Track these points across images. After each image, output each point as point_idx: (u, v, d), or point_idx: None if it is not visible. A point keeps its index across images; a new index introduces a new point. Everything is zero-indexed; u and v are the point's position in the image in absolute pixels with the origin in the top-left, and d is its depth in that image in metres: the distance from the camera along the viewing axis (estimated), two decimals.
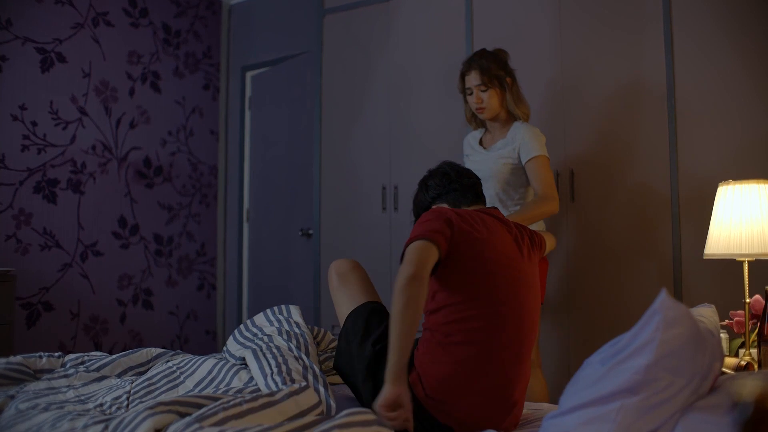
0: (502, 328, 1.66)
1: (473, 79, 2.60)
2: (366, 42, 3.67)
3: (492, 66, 2.59)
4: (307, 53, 4.21)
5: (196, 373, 1.92)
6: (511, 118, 2.68)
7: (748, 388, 1.03)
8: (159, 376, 1.92)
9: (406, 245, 1.66)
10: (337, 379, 2.22)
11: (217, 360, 1.99)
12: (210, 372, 1.92)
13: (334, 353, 2.30)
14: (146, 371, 2.12)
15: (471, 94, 2.63)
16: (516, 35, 3.18)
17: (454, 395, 1.62)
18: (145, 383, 1.86)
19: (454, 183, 1.98)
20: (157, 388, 1.85)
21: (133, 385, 1.84)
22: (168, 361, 2.13)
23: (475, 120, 2.78)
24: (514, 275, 1.73)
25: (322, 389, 1.65)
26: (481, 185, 2.02)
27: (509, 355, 1.67)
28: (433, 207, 1.96)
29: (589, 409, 1.13)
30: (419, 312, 1.57)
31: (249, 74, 4.77)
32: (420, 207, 2.05)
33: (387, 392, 1.50)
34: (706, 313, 1.46)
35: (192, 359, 2.01)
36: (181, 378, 1.90)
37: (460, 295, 1.67)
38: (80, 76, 3.92)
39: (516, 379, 1.68)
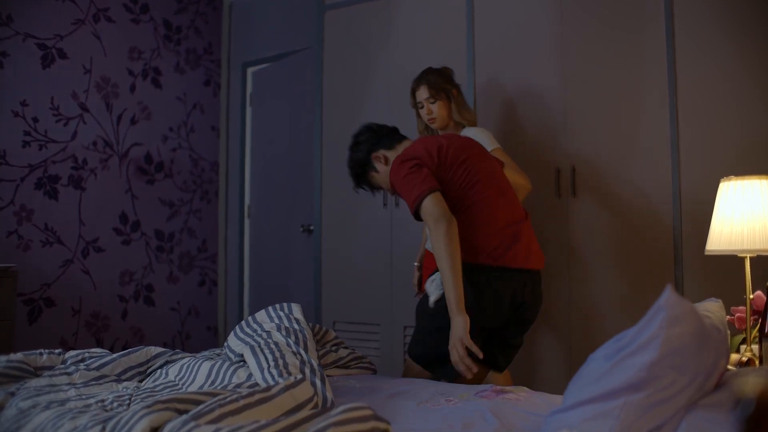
0: (492, 201, 2.19)
1: (422, 93, 2.84)
2: (366, 38, 3.67)
3: (438, 80, 2.82)
4: (307, 49, 4.20)
5: (196, 379, 1.93)
6: (459, 126, 2.89)
7: (750, 384, 1.03)
8: (161, 387, 1.92)
9: (415, 203, 2.09)
10: (336, 372, 2.23)
11: (213, 361, 2.00)
12: (209, 375, 1.93)
13: (334, 348, 2.33)
14: (146, 371, 2.12)
15: (422, 107, 2.86)
16: (517, 33, 3.18)
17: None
18: (148, 393, 1.86)
19: (380, 131, 2.42)
20: (159, 394, 1.85)
21: (134, 395, 1.84)
22: (167, 362, 2.13)
23: (428, 131, 2.98)
24: (482, 161, 2.27)
25: (318, 382, 1.66)
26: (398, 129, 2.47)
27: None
28: (396, 158, 2.26)
29: (592, 405, 1.13)
30: (459, 249, 2.04)
31: (250, 70, 4.77)
32: (358, 165, 2.42)
33: (461, 321, 1.97)
34: (712, 308, 1.46)
35: (189, 366, 2.01)
36: (183, 389, 1.91)
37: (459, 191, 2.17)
38: (81, 72, 3.92)
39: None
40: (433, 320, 2.16)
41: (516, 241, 2.19)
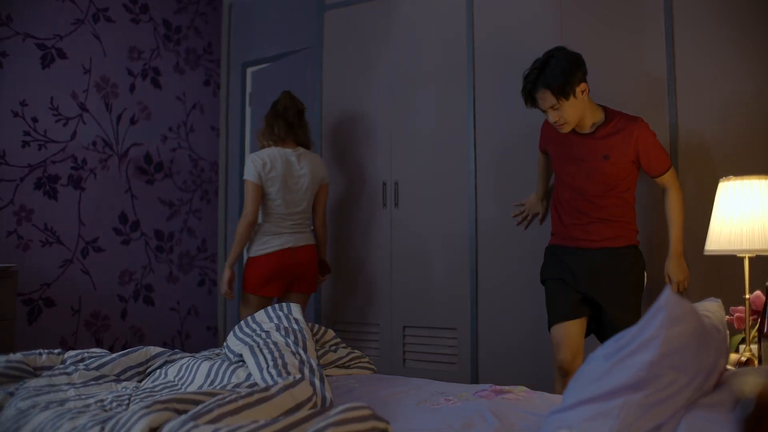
0: None
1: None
2: (366, 38, 3.67)
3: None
4: (307, 49, 4.20)
5: (195, 380, 1.93)
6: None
7: (750, 384, 1.03)
8: (160, 387, 1.92)
9: (670, 165, 2.57)
10: (335, 372, 2.23)
11: (212, 362, 2.00)
12: (208, 376, 1.93)
13: (333, 348, 2.33)
14: (145, 371, 2.12)
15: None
16: (517, 30, 3.18)
17: None
18: (147, 393, 1.86)
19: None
20: (158, 394, 1.85)
21: (134, 395, 1.84)
22: (167, 362, 2.13)
23: None
24: None
25: (317, 382, 1.65)
26: None
27: None
28: (635, 119, 2.55)
29: (592, 404, 1.13)
30: None
31: (249, 70, 4.76)
32: (567, 76, 2.41)
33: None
34: (712, 308, 1.46)
35: (189, 366, 2.01)
36: (183, 389, 1.91)
37: None
38: (81, 72, 3.92)
39: None
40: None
41: None
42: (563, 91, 2.41)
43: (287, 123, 3.24)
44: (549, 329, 2.63)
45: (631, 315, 2.46)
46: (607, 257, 2.54)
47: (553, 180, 2.74)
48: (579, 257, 2.58)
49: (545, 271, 2.70)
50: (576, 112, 2.48)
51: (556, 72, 2.41)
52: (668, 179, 2.57)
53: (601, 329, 2.61)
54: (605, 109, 2.60)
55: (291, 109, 3.27)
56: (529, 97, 2.50)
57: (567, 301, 2.57)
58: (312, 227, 3.39)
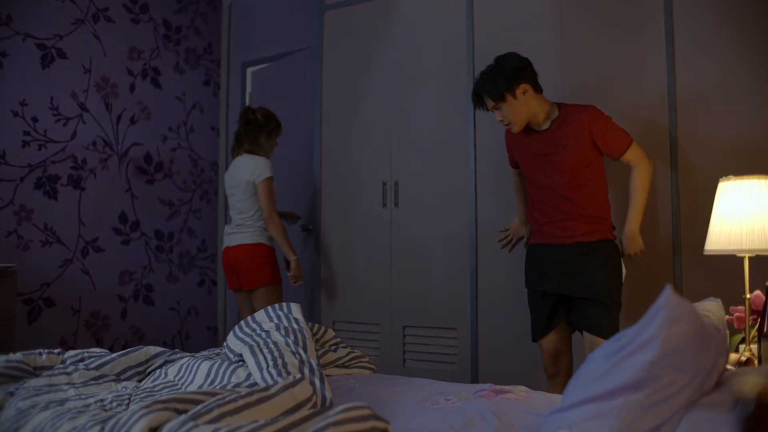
0: None
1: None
2: (366, 38, 3.67)
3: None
4: (307, 49, 4.20)
5: (195, 379, 1.93)
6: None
7: (750, 384, 1.03)
8: (160, 386, 1.92)
9: (630, 141, 2.58)
10: (335, 372, 2.23)
11: (212, 361, 2.00)
12: (208, 375, 1.93)
13: (333, 348, 2.33)
14: (145, 370, 2.12)
15: None
16: (517, 31, 3.18)
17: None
18: (147, 393, 1.86)
19: (534, 73, 2.64)
20: (158, 394, 1.85)
21: (134, 394, 1.84)
22: (166, 362, 2.13)
23: None
24: None
25: (317, 382, 1.65)
26: None
27: None
28: (584, 106, 2.65)
29: (592, 404, 1.13)
30: None
31: (249, 70, 4.76)
32: (504, 79, 2.56)
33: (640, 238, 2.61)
34: (711, 308, 1.46)
35: (189, 366, 2.01)
36: (183, 389, 1.91)
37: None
38: (81, 72, 3.92)
39: None
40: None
41: None
42: (499, 94, 2.58)
43: (236, 134, 3.57)
44: None
45: (605, 308, 2.54)
46: (581, 252, 2.60)
47: (527, 186, 2.78)
48: (554, 253, 2.65)
49: (526, 278, 2.83)
50: (518, 112, 2.61)
51: (495, 76, 2.59)
52: (631, 156, 2.59)
53: (578, 322, 2.66)
54: (559, 105, 2.70)
55: (240, 121, 3.55)
56: (476, 100, 2.69)
57: (542, 317, 2.71)
58: (249, 228, 3.46)
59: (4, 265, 3.15)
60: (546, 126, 2.67)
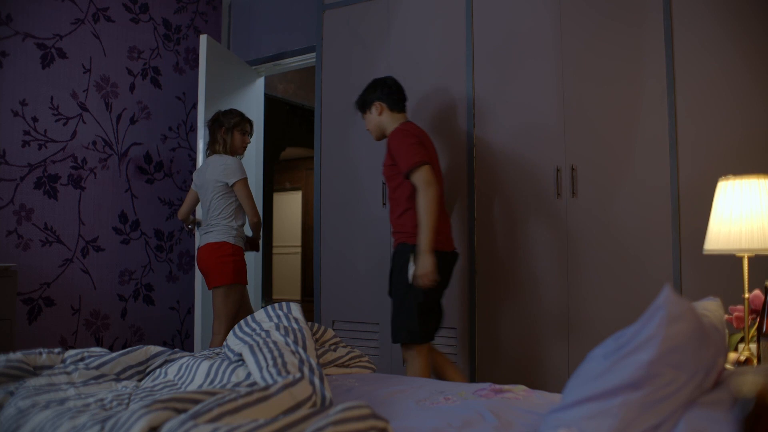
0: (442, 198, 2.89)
1: None
2: (366, 37, 3.67)
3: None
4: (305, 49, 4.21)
5: (195, 379, 1.93)
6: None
7: (749, 383, 1.03)
8: (160, 386, 1.92)
9: (412, 167, 2.68)
10: (335, 371, 2.23)
11: (212, 361, 2.00)
12: (208, 375, 1.93)
13: (332, 347, 2.33)
14: (145, 370, 2.12)
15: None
16: (516, 28, 3.18)
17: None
18: (147, 392, 1.86)
19: (395, 92, 2.96)
20: (158, 393, 1.85)
21: (134, 394, 1.84)
22: (166, 361, 2.13)
23: None
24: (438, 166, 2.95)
25: (317, 381, 1.65)
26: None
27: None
28: (401, 126, 2.85)
29: (591, 403, 1.13)
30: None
31: None
32: (362, 99, 3.00)
33: (430, 258, 2.64)
34: (711, 307, 1.46)
35: (188, 366, 2.01)
36: (182, 388, 1.91)
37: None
38: (81, 72, 3.92)
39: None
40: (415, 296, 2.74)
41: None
42: (359, 107, 3.03)
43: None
44: None
45: (398, 310, 2.79)
46: (395, 253, 2.86)
47: None
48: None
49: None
50: (371, 124, 3.01)
51: (363, 92, 3.01)
52: (415, 180, 2.71)
53: None
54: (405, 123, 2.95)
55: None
56: (355, 107, 3.10)
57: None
58: (215, 227, 3.46)
59: (4, 265, 3.15)
60: None
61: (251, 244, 3.63)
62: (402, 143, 2.76)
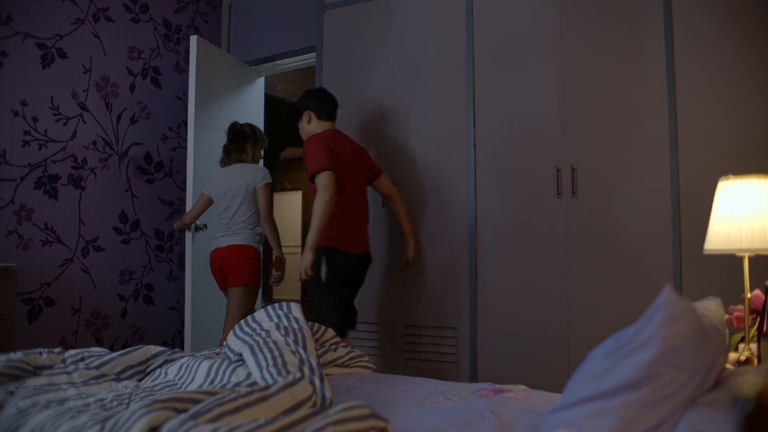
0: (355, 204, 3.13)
1: None
2: (366, 37, 3.67)
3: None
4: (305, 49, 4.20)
5: (195, 379, 1.93)
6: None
7: (749, 383, 1.03)
8: (160, 386, 1.92)
9: (314, 172, 2.91)
10: (335, 371, 2.23)
11: (212, 360, 2.00)
12: (208, 375, 1.92)
13: (333, 347, 2.33)
14: (145, 370, 2.12)
15: None
16: (516, 28, 3.18)
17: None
18: (147, 392, 1.86)
19: (325, 102, 3.19)
20: (158, 393, 1.85)
21: (134, 394, 1.83)
22: (167, 361, 2.13)
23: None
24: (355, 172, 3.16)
25: (317, 381, 1.65)
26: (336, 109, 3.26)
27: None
28: (319, 133, 3.08)
29: (591, 403, 1.13)
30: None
31: None
32: (293, 108, 3.23)
33: (310, 255, 2.90)
34: (711, 307, 1.46)
35: (189, 365, 2.01)
36: (183, 388, 1.91)
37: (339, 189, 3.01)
38: (81, 72, 3.92)
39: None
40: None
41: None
42: (291, 116, 3.27)
43: (224, 147, 3.73)
44: None
45: (316, 307, 3.02)
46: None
47: None
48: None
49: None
50: (302, 131, 3.23)
51: (297, 101, 3.23)
52: (316, 183, 2.93)
53: None
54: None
55: (227, 135, 3.70)
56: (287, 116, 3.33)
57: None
58: (241, 231, 3.55)
59: (4, 265, 3.15)
60: None
61: (276, 266, 3.65)
62: (310, 148, 2.98)
